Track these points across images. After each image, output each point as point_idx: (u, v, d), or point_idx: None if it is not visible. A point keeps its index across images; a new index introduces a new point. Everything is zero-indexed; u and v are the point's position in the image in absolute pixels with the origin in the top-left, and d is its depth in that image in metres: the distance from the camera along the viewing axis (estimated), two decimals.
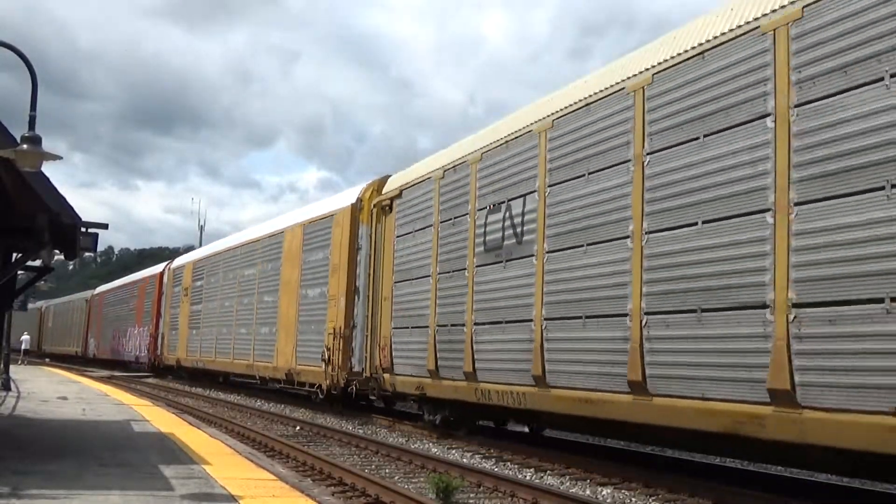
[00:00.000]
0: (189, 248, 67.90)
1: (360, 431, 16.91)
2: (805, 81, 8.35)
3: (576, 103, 11.91)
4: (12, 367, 25.11)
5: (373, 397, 18.80)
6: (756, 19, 9.00)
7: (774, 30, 8.74)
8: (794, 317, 8.17)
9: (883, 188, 7.49)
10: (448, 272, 14.96)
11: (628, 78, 10.86)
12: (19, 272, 12.33)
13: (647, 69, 10.51)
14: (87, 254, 11.74)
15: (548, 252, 12.11)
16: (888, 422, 7.24)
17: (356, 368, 18.62)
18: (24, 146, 8.09)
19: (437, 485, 9.56)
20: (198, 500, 7.48)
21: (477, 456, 13.46)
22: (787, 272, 8.28)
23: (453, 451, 14.03)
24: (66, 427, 13.47)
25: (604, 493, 10.31)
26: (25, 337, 54.58)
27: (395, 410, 19.66)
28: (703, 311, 9.26)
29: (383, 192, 18.34)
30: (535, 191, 12.60)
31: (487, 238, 13.80)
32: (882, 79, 7.60)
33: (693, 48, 9.82)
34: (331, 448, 14.47)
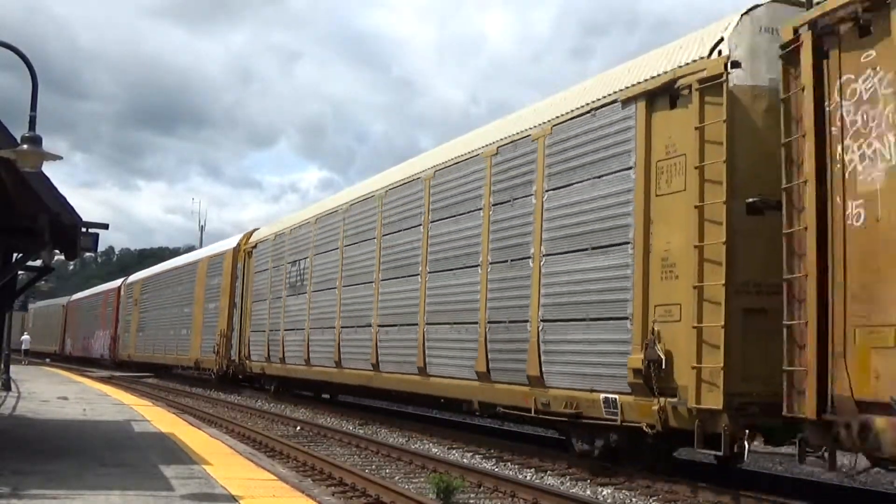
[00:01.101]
0: (190, 249, 68.00)
1: (361, 432, 16.92)
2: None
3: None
4: (13, 367, 25.12)
5: (240, 376, 27.76)
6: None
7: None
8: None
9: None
10: (278, 297, 24.02)
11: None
12: (20, 272, 12.33)
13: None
14: (87, 254, 11.74)
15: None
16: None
17: (233, 357, 27.51)
18: (25, 146, 8.08)
19: (437, 485, 9.57)
20: (198, 500, 7.48)
21: (477, 456, 13.46)
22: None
23: (454, 452, 14.03)
24: (66, 427, 13.48)
25: (604, 493, 10.31)
26: (26, 337, 54.54)
27: (255, 384, 27.72)
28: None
29: (249, 241, 27.75)
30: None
31: (295, 280, 22.87)
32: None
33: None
34: (331, 448, 14.48)
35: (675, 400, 9.68)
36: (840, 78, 8.00)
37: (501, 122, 14.74)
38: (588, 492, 10.42)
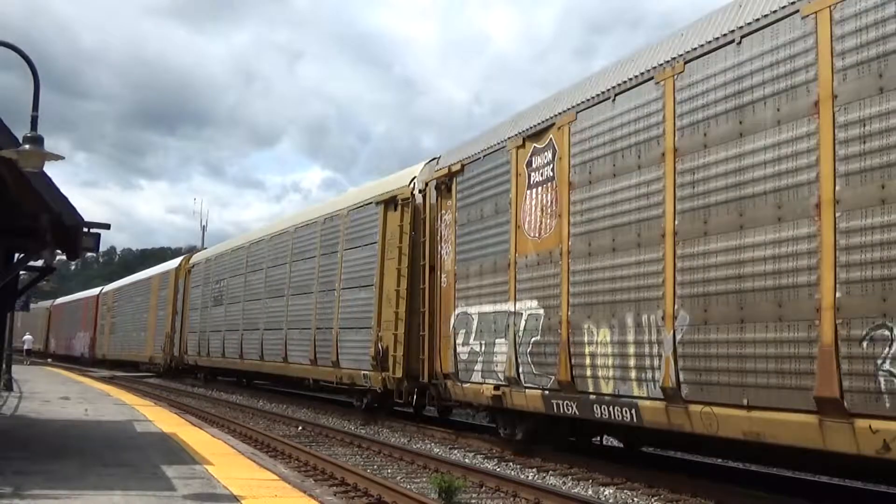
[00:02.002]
0: (191, 249, 68.03)
1: (363, 432, 16.92)
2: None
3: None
4: (14, 367, 25.13)
5: (181, 367, 34.63)
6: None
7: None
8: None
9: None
10: (206, 307, 31.24)
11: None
12: (21, 272, 12.34)
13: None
14: (89, 254, 11.73)
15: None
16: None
17: (175, 353, 34.61)
18: (27, 146, 8.09)
19: (439, 485, 9.56)
20: (200, 501, 7.48)
21: (479, 456, 13.45)
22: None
23: (455, 452, 14.03)
24: (68, 427, 13.48)
25: (606, 493, 10.30)
26: (28, 337, 54.62)
27: (192, 374, 34.21)
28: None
29: (189, 263, 34.98)
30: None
31: (217, 295, 30.18)
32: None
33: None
34: (333, 448, 14.47)
35: (388, 373, 17.03)
36: (440, 210, 15.50)
37: (334, 199, 23.58)
38: (590, 492, 10.42)
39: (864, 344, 7.34)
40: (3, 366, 21.93)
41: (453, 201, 14.78)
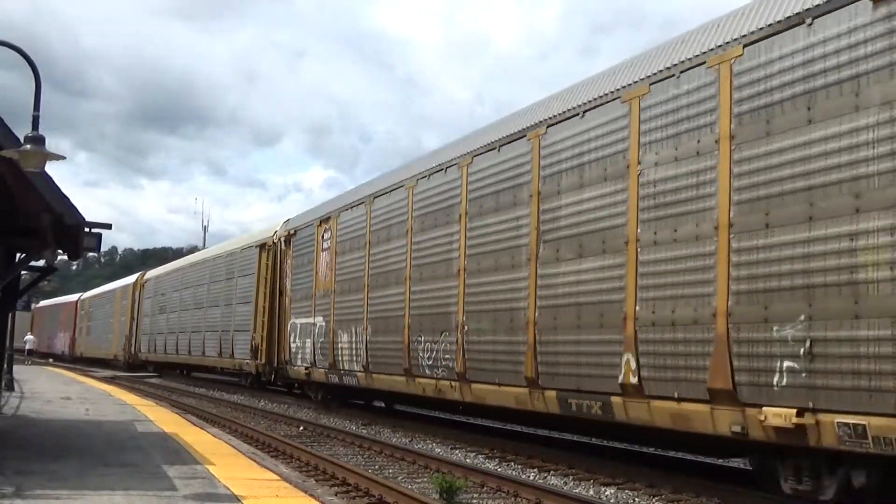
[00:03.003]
0: (193, 249, 68.17)
1: (364, 432, 16.91)
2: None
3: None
4: (16, 367, 25.14)
5: (137, 363, 43.29)
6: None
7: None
8: None
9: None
10: (154, 314, 40.45)
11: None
12: (23, 272, 12.34)
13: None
14: (90, 254, 11.73)
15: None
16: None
17: (133, 352, 43.50)
18: (28, 146, 8.09)
19: (440, 485, 9.55)
20: (201, 501, 7.48)
21: (480, 456, 13.44)
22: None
23: (456, 452, 14.02)
24: (69, 427, 13.49)
25: (607, 493, 10.29)
26: (29, 337, 54.67)
27: (146, 368, 42.63)
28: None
29: (143, 279, 44.21)
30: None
31: (162, 305, 39.83)
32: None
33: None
34: (334, 448, 14.47)
35: (259, 361, 25.27)
36: (286, 256, 23.84)
37: (231, 241, 34.15)
38: (591, 492, 10.41)
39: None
40: (5, 366, 21.96)
41: (290, 252, 23.40)
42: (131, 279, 46.70)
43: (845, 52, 7.72)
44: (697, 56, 9.40)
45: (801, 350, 7.85)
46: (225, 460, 10.30)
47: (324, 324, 20.00)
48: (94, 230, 10.21)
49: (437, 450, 14.24)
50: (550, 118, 12.01)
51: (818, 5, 8.06)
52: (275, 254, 24.89)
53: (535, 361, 11.81)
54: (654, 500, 9.87)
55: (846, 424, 7.39)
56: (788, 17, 8.38)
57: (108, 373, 40.30)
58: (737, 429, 8.59)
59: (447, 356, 14.21)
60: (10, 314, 13.78)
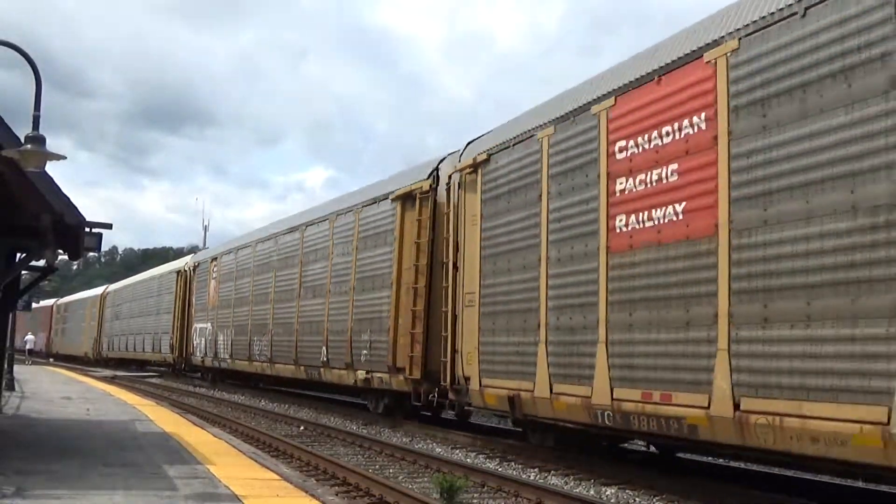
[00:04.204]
0: (193, 249, 68.23)
1: (364, 431, 16.92)
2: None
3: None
4: (16, 367, 25.15)
5: (102, 360, 50.35)
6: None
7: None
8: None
9: None
10: (113, 320, 50.06)
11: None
12: (23, 272, 12.33)
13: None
14: (90, 254, 11.73)
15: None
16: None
17: (98, 350, 51.64)
18: (28, 146, 8.09)
19: (441, 485, 9.55)
20: (202, 500, 7.48)
21: (481, 456, 13.45)
22: None
23: (457, 452, 14.03)
24: (70, 427, 13.49)
25: (608, 493, 10.29)
26: (30, 337, 54.70)
27: (109, 364, 48.22)
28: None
29: (107, 291, 53.03)
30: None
31: (119, 312, 49.02)
32: None
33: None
34: (335, 448, 14.47)
35: (175, 354, 35.59)
36: (195, 278, 33.81)
37: (174, 263, 41.45)
38: (592, 492, 10.40)
39: None
40: (5, 365, 21.95)
41: (196, 277, 32.39)
42: (99, 291, 56.47)
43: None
44: None
45: None
46: (225, 460, 10.30)
47: (211, 328, 30.41)
48: (94, 230, 10.20)
49: (438, 450, 14.24)
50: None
51: None
52: (186, 278, 34.63)
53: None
54: (654, 500, 9.87)
55: None
56: None
57: (108, 373, 40.44)
58: None
59: (264, 347, 24.61)
60: (10, 314, 13.78)
